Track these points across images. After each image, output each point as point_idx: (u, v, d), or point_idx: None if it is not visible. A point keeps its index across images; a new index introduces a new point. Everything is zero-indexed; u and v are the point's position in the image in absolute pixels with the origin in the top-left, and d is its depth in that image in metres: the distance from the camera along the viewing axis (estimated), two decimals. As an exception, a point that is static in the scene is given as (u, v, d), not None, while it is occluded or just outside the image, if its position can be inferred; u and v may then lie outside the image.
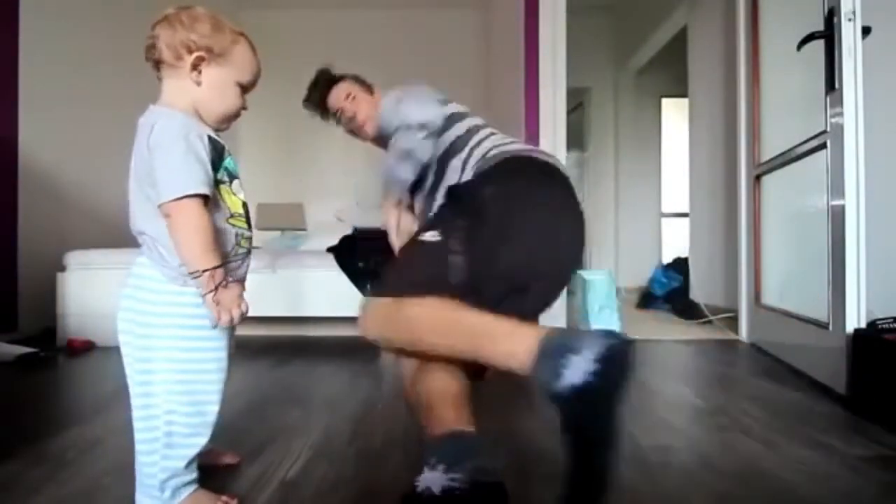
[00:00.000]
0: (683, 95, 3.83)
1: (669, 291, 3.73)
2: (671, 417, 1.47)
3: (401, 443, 1.26)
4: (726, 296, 3.02)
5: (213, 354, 0.92)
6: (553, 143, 2.58)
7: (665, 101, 5.17)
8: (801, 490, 1.02)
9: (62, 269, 2.49)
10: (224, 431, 1.29)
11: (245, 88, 0.98)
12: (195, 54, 0.89)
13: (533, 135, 2.59)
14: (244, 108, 0.99)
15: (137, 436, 0.89)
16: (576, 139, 4.89)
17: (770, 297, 2.39)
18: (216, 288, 0.86)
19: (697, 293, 3.44)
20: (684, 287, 3.62)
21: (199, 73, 0.91)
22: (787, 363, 2.06)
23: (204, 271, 0.84)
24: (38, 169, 2.68)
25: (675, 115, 5.07)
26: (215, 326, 0.88)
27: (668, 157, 5.12)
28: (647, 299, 3.89)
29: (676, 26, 4.03)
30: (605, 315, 2.21)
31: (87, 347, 2.32)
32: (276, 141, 4.75)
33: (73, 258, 2.49)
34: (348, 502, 0.98)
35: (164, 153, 0.84)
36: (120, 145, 3.08)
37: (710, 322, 2.99)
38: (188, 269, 0.86)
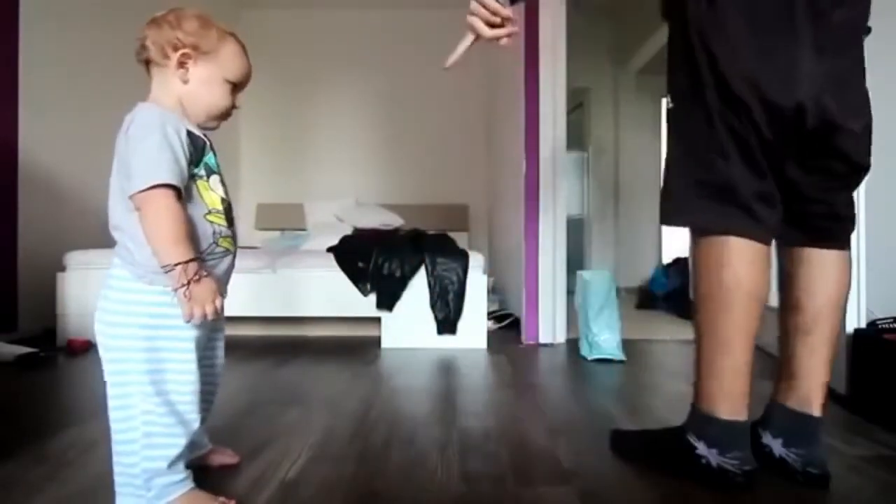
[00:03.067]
0: (683, 95, 3.82)
1: (669, 291, 3.73)
2: (671, 417, 1.46)
3: (401, 443, 1.26)
4: (726, 296, 3.02)
5: (182, 356, 0.89)
6: (553, 143, 2.58)
7: (665, 101, 5.16)
8: (801, 490, 1.02)
9: (62, 269, 2.49)
10: (224, 431, 1.29)
11: (235, 87, 0.98)
12: (181, 51, 0.90)
13: (533, 135, 2.58)
14: (234, 106, 0.99)
15: (117, 437, 0.88)
16: (576, 139, 4.89)
17: (770, 297, 2.39)
18: (188, 282, 0.83)
19: (697, 293, 3.44)
20: (684, 287, 3.62)
21: (186, 70, 0.92)
22: (787, 363, 2.05)
23: (176, 265, 0.82)
24: (38, 169, 2.68)
25: (675, 115, 5.06)
26: (189, 322, 0.85)
27: (668, 157, 5.11)
28: (647, 299, 3.90)
29: (676, 26, 4.02)
30: (605, 315, 2.21)
31: (87, 347, 2.31)
32: (276, 141, 4.75)
33: (73, 258, 2.49)
34: (348, 502, 0.98)
35: (140, 143, 0.84)
36: (120, 145, 3.07)
37: (710, 322, 2.99)
38: (160, 262, 0.83)
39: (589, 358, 2.17)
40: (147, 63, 0.93)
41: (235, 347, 2.41)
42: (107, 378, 0.89)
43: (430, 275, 2.48)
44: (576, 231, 4.94)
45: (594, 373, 2.00)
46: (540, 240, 2.58)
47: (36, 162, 2.67)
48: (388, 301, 2.48)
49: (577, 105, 5.12)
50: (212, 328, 1.00)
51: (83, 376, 1.95)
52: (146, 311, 0.87)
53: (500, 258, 3.73)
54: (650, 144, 5.11)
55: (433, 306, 2.46)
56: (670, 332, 2.85)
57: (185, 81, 0.92)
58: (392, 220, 3.74)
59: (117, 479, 0.89)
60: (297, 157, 4.79)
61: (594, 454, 1.20)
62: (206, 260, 0.92)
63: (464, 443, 1.26)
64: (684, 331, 2.89)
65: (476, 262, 2.53)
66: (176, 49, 0.90)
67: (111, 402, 0.88)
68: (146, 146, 0.83)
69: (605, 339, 2.18)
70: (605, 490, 1.02)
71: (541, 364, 2.17)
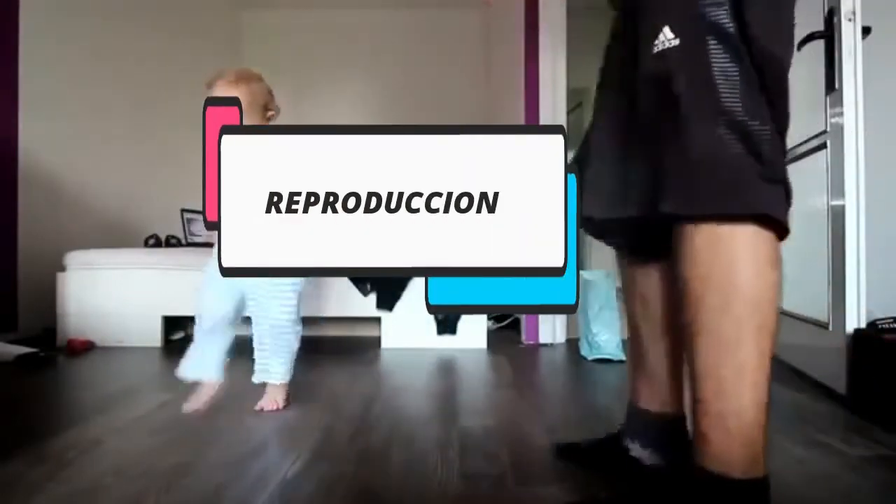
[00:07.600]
0: (683, 95, 3.82)
1: (669, 291, 3.73)
2: (671, 417, 1.46)
3: (401, 442, 1.26)
4: (726, 296, 3.02)
5: None
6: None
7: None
8: (801, 490, 1.02)
9: (62, 269, 2.49)
10: (223, 431, 1.29)
11: None
12: None
13: (533, 135, 2.58)
14: None
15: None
16: (576, 139, 4.88)
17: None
18: None
19: (697, 293, 3.43)
20: (684, 287, 3.61)
21: None
22: (787, 363, 2.05)
23: None
24: (38, 169, 2.68)
25: (675, 115, 5.06)
26: None
27: (668, 158, 5.11)
28: (647, 299, 3.89)
29: (676, 26, 4.02)
30: (604, 315, 2.21)
31: (87, 347, 2.31)
32: (276, 141, 4.75)
33: (73, 258, 2.49)
34: (348, 502, 0.98)
35: None
36: (119, 145, 3.08)
37: (710, 322, 2.99)
38: None
39: (589, 358, 2.17)
40: None
41: (235, 347, 2.41)
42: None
43: (430, 275, 2.47)
44: (576, 231, 4.92)
45: (594, 373, 2.00)
46: (540, 240, 2.58)
47: (36, 162, 2.67)
48: (388, 301, 2.47)
49: (576, 105, 5.12)
50: None
51: (83, 376, 1.95)
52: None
53: (500, 258, 3.73)
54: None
55: (433, 306, 2.46)
56: (670, 332, 2.85)
57: None
58: (392, 220, 3.74)
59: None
60: (297, 157, 4.79)
61: (594, 454, 1.20)
62: None
63: (464, 442, 1.26)
64: (684, 331, 2.89)
65: (476, 262, 2.53)
66: None
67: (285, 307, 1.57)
68: None
69: (605, 339, 2.17)
70: (604, 489, 1.02)
71: (541, 364, 2.17)
